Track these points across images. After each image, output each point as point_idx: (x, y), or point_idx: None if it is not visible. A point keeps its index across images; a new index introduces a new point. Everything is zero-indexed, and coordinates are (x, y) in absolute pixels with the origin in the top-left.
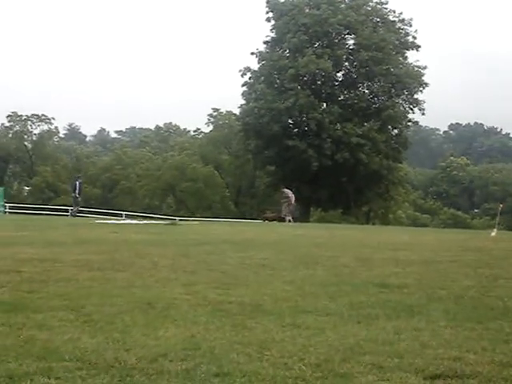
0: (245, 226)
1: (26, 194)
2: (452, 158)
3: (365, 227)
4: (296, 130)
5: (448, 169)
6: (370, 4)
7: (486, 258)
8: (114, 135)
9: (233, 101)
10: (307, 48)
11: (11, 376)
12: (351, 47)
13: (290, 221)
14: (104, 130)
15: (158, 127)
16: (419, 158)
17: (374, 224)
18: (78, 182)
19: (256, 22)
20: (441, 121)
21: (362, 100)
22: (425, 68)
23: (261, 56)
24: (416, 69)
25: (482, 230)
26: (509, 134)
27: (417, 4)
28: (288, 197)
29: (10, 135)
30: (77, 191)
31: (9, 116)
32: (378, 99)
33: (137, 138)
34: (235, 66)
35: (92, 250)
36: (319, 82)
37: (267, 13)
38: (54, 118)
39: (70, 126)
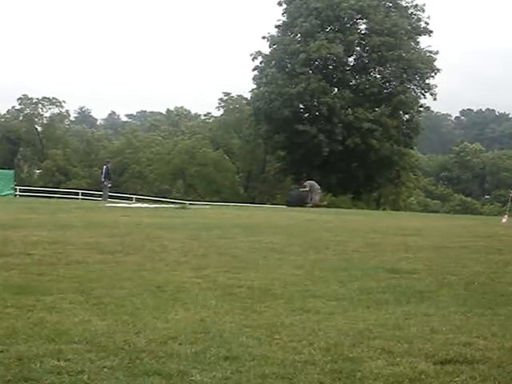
0: (255, 211)
1: (36, 177)
2: (466, 143)
3: (375, 212)
4: (307, 114)
5: (462, 153)
6: None
7: (496, 244)
8: (124, 119)
9: (244, 85)
10: (319, 32)
11: (21, 358)
12: (363, 32)
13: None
14: (114, 113)
15: (168, 111)
16: (430, 143)
17: (384, 209)
18: (105, 167)
19: (267, 5)
20: (452, 106)
21: (374, 85)
22: (437, 53)
23: (272, 40)
24: (428, 54)
25: (493, 216)
26: None
27: None
28: (311, 186)
29: (21, 118)
30: (102, 176)
31: (19, 99)
32: (390, 84)
33: (147, 121)
34: (246, 50)
35: (102, 233)
36: (330, 67)
37: None
38: (64, 102)
39: (80, 109)
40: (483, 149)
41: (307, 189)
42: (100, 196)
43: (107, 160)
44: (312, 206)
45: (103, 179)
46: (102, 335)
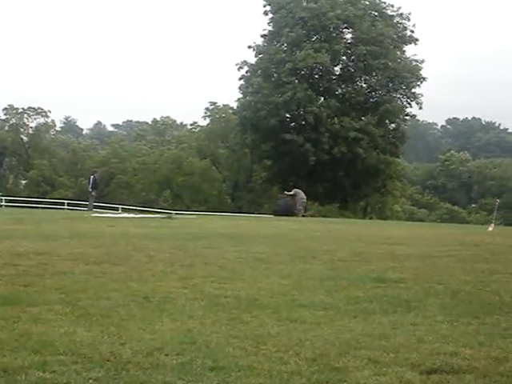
0: (242, 220)
1: (22, 187)
2: (452, 152)
3: (361, 221)
4: (293, 124)
5: (447, 162)
6: None
7: (482, 253)
8: (110, 128)
9: (230, 94)
10: (305, 42)
11: (6, 369)
12: (349, 41)
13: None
14: (100, 123)
15: (154, 121)
16: (416, 152)
17: (371, 218)
18: (92, 177)
19: (253, 15)
20: (438, 115)
21: (360, 94)
22: (422, 62)
23: (258, 49)
24: (414, 63)
25: (479, 225)
26: (507, 128)
27: None
28: (297, 195)
29: (6, 128)
30: (89, 186)
31: (5, 109)
32: (376, 93)
33: (133, 131)
34: (232, 59)
35: (88, 244)
36: (317, 76)
37: (265, 6)
38: (50, 111)
39: (66, 119)
40: (469, 158)
41: (291, 192)
42: (86, 206)
43: (94, 170)
44: (304, 216)
45: (90, 189)
46: (88, 346)
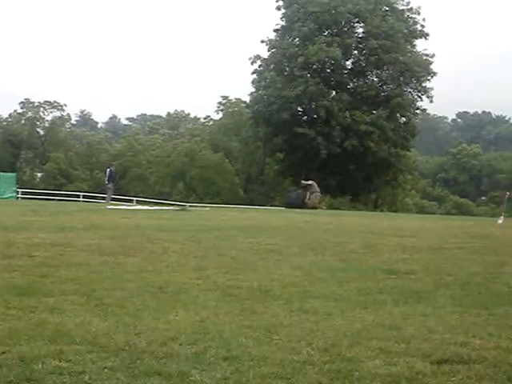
0: (254, 213)
1: (38, 179)
2: (463, 145)
3: (372, 214)
4: (305, 117)
5: (458, 156)
6: None
7: (492, 245)
8: (125, 122)
9: (242, 88)
10: (317, 36)
11: (23, 358)
12: (360, 35)
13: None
14: (115, 116)
15: (168, 114)
16: (427, 145)
17: (381, 211)
18: (108, 170)
19: (266, 9)
20: (449, 109)
21: (371, 88)
22: (433, 56)
23: (271, 44)
24: (424, 57)
25: (488, 217)
26: None
27: None
28: (305, 186)
29: (23, 121)
30: (106, 178)
31: (21, 103)
32: (387, 87)
33: (147, 124)
34: (245, 53)
35: (103, 235)
36: (328, 70)
37: (277, 1)
38: (66, 105)
39: (81, 112)
40: (481, 152)
41: (309, 183)
42: (102, 198)
43: (111, 163)
44: (313, 208)
45: (107, 182)
46: (103, 336)
